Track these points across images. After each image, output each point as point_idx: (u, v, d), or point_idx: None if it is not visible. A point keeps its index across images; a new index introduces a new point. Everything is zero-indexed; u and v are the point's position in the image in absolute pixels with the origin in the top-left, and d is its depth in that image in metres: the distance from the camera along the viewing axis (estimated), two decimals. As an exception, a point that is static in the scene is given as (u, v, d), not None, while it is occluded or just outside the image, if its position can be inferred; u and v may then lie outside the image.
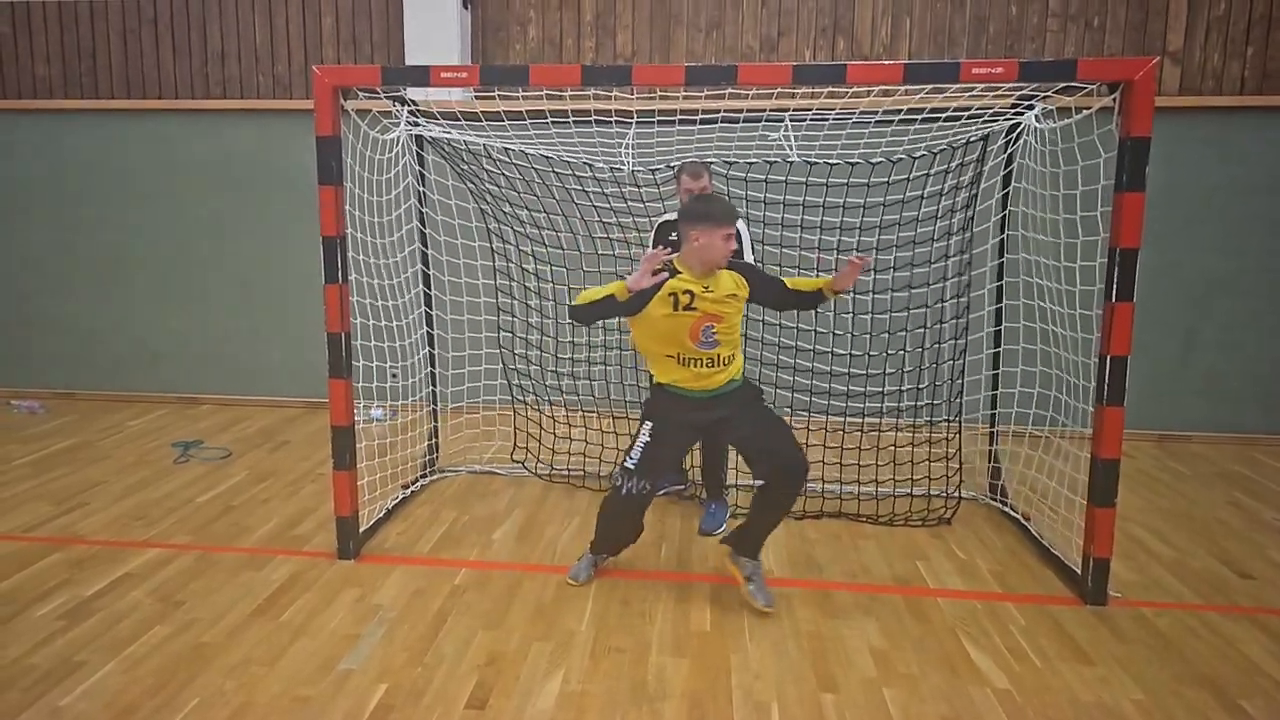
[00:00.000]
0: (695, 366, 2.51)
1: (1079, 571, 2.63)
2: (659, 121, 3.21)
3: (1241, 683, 2.19)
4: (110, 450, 4.10)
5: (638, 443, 2.54)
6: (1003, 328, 3.36)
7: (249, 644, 2.33)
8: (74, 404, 5.01)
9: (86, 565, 2.81)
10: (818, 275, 2.87)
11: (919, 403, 3.63)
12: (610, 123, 3.19)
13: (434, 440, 3.78)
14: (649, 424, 2.55)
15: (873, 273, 3.59)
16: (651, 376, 2.64)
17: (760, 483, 2.57)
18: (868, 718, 2.01)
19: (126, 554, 2.89)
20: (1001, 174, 3.26)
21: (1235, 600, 2.64)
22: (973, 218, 3.36)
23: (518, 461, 3.81)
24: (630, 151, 3.30)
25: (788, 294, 2.63)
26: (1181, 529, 3.21)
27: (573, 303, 2.52)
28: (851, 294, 3.70)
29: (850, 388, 3.79)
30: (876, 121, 3.15)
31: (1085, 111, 2.84)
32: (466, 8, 4.71)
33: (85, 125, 4.93)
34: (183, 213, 4.93)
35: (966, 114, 3.03)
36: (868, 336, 3.83)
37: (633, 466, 2.53)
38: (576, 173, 3.60)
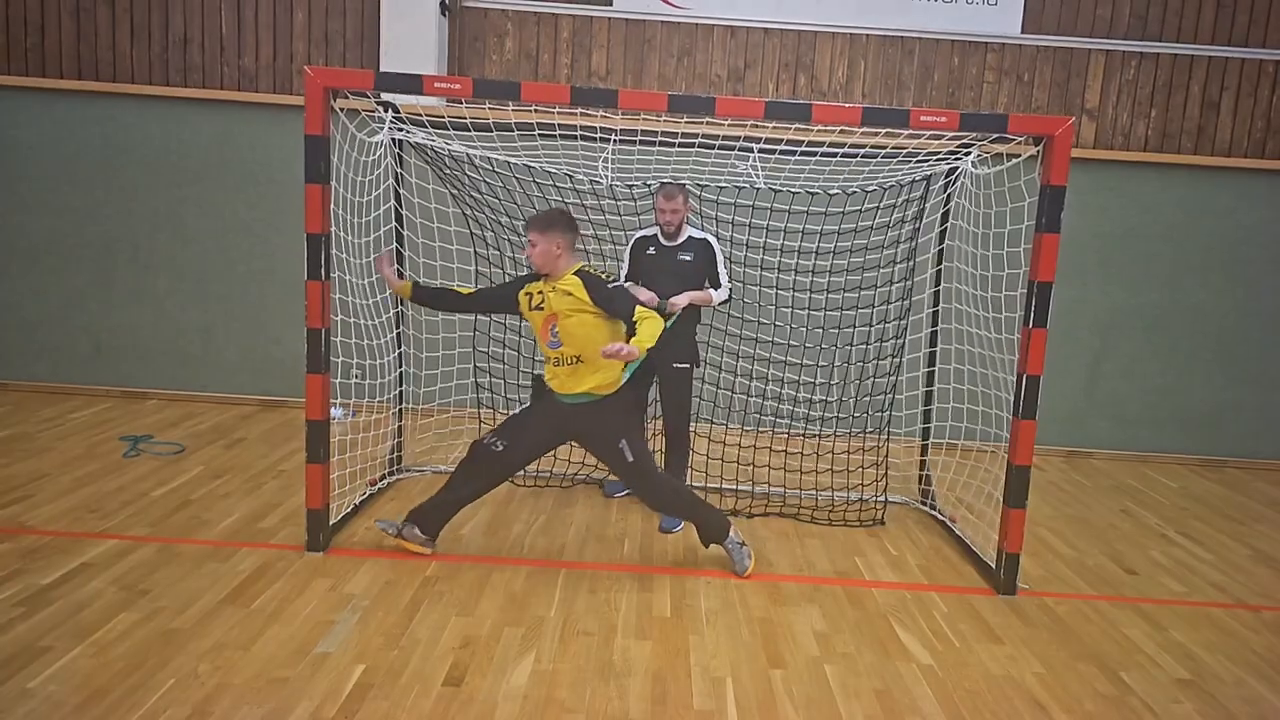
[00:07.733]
0: (552, 365, 2.80)
1: (994, 566, 2.97)
2: (640, 142, 3.40)
3: (1122, 658, 2.55)
4: (52, 442, 3.91)
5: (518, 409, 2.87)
6: (938, 349, 3.69)
7: (221, 630, 2.33)
8: (6, 394, 4.71)
9: (39, 555, 2.72)
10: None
11: (855, 414, 3.96)
12: (594, 139, 3.34)
13: (399, 439, 3.77)
14: (531, 402, 2.89)
15: (825, 294, 3.88)
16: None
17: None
18: (811, 690, 2.25)
19: (82, 545, 2.81)
20: (941, 211, 3.60)
21: (1121, 591, 3.03)
22: (914, 249, 3.70)
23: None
24: (609, 167, 3.47)
25: (619, 313, 2.65)
26: (1081, 532, 3.61)
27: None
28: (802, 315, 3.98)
29: (798, 399, 4.08)
30: (836, 157, 3.41)
31: (1014, 160, 3.22)
32: (444, 15, 4.78)
33: (28, 104, 4.62)
34: (133, 202, 4.69)
35: (916, 157, 3.36)
36: (818, 349, 4.14)
37: (499, 426, 2.86)
38: (557, 183, 3.76)
